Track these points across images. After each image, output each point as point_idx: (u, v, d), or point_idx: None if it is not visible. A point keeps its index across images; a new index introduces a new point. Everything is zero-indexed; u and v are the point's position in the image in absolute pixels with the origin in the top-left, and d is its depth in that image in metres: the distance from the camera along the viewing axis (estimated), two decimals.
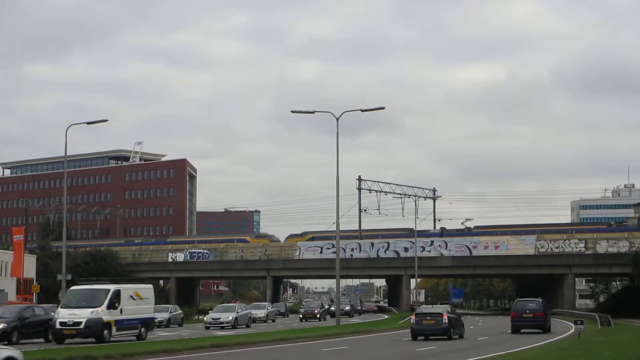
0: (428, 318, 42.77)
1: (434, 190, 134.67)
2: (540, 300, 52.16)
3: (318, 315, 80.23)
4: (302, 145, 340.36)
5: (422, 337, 43.04)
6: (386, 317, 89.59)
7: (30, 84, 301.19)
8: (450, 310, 44.76)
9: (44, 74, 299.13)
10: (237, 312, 65.66)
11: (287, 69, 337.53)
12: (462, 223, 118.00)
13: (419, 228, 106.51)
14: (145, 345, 35.71)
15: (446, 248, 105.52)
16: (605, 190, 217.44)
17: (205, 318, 68.57)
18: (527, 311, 50.76)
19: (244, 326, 64.30)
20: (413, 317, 44.01)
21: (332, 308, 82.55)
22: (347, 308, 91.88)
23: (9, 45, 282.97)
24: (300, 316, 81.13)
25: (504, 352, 32.17)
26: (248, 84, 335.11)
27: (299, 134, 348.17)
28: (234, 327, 62.31)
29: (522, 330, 49.94)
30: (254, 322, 70.32)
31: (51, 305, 54.49)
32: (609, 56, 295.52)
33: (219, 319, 64.11)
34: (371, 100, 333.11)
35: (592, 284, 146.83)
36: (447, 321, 42.71)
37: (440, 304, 67.04)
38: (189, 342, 37.59)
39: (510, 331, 50.18)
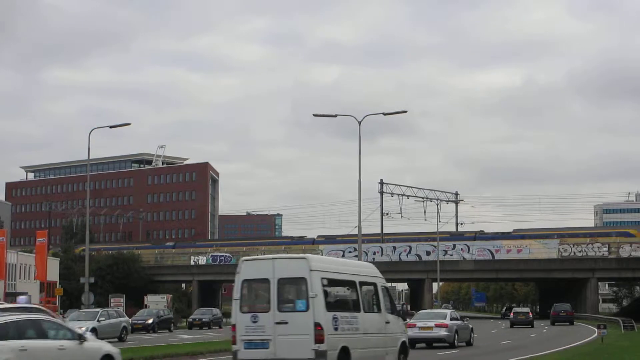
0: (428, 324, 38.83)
1: (456, 194, 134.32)
2: (569, 304, 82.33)
3: None
4: (322, 149, 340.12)
5: (423, 345, 40.13)
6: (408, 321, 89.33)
7: (51, 89, 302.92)
8: (453, 315, 41.40)
9: (65, 79, 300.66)
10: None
11: (307, 73, 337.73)
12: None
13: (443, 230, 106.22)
14: None
15: (468, 252, 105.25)
16: (629, 194, 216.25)
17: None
18: (562, 311, 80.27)
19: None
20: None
21: None
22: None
23: (29, 51, 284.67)
24: None
25: (527, 357, 32.07)
26: (268, 88, 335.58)
27: (318, 137, 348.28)
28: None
29: (556, 323, 77.48)
30: None
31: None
32: (627, 60, 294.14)
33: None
34: (389, 105, 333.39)
35: (615, 288, 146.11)
36: (448, 327, 39.29)
37: (444, 307, 67.21)
38: None
39: (550, 323, 77.41)
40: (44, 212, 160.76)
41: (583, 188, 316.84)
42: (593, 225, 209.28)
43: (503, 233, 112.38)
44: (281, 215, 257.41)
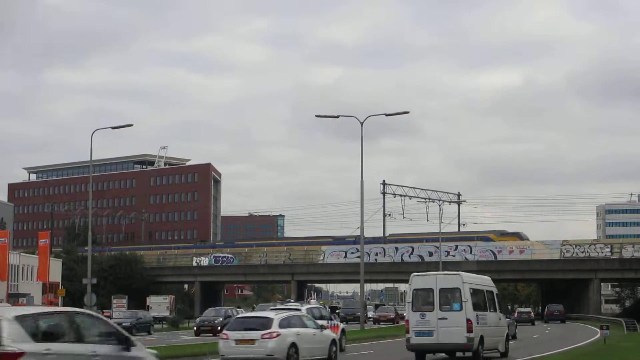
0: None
1: (459, 195, 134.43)
2: (562, 305, 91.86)
3: None
4: (323, 150, 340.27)
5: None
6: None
7: (52, 90, 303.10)
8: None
9: (66, 80, 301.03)
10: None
11: (307, 73, 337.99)
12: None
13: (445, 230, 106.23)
14: None
15: (471, 252, 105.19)
16: (632, 194, 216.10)
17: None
18: (556, 311, 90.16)
19: None
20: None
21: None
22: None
23: (29, 52, 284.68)
24: None
25: (530, 357, 32.06)
26: (268, 89, 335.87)
27: (319, 138, 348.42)
28: None
29: (550, 321, 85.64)
30: None
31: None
32: (627, 61, 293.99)
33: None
34: (389, 105, 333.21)
35: (617, 289, 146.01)
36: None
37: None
38: None
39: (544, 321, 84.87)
40: (47, 213, 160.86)
41: (584, 189, 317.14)
42: (595, 227, 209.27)
43: (376, 237, 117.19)
44: (283, 216, 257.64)
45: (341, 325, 39.56)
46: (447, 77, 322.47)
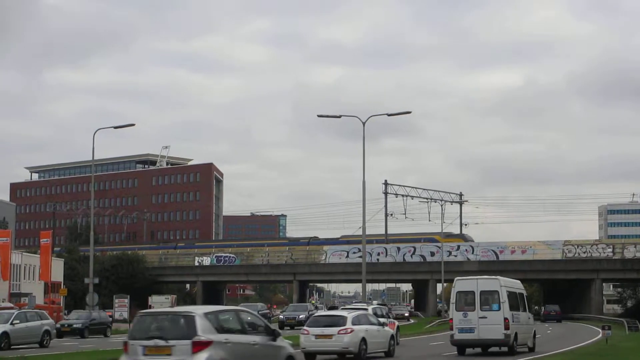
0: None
1: (461, 195, 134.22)
2: (558, 305, 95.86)
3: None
4: (324, 150, 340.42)
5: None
6: (412, 321, 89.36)
7: (53, 90, 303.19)
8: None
9: (67, 80, 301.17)
10: None
11: (308, 74, 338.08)
12: None
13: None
14: None
15: (473, 252, 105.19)
16: (634, 195, 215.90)
17: None
18: (552, 311, 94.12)
19: None
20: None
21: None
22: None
23: (31, 52, 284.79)
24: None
25: (531, 357, 32.05)
26: (269, 89, 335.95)
27: (320, 138, 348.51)
28: None
29: (547, 321, 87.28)
30: None
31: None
32: (627, 61, 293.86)
33: None
34: (390, 105, 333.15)
35: (619, 289, 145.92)
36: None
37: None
38: None
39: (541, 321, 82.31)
40: (49, 212, 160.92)
41: (585, 189, 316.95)
42: (597, 229, 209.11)
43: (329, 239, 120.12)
44: (285, 216, 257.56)
45: (396, 323, 44.00)
46: (448, 77, 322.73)
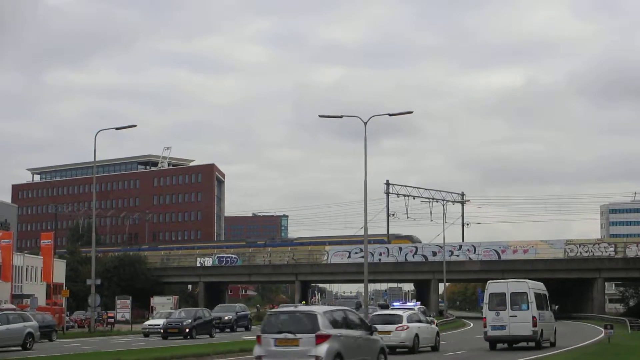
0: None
1: (462, 195, 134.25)
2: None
3: None
4: (325, 150, 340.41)
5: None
6: None
7: (54, 91, 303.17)
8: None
9: (68, 81, 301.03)
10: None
11: (309, 74, 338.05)
12: None
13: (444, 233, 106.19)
14: None
15: (475, 252, 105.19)
16: (635, 194, 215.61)
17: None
18: None
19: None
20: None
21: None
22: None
23: (32, 53, 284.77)
24: None
25: (534, 357, 32.04)
26: (270, 89, 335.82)
27: (321, 138, 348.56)
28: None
29: None
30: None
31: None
32: (628, 60, 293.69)
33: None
34: (391, 106, 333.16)
35: (622, 288, 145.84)
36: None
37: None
38: None
39: None
40: (50, 214, 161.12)
41: (586, 188, 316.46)
42: (599, 227, 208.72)
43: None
44: (287, 216, 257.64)
45: (436, 321, 50.53)
46: (448, 77, 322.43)
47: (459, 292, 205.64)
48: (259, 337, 22.90)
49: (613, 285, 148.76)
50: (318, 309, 23.21)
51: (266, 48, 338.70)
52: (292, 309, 25.99)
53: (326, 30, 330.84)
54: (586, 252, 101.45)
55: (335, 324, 22.66)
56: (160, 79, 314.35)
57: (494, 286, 38.21)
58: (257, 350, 22.75)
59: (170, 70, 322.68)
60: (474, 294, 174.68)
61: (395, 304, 74.06)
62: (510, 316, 36.94)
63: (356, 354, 23.25)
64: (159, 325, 58.59)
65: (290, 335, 22.26)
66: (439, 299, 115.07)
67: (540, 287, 39.59)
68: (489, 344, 37.99)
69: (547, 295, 40.17)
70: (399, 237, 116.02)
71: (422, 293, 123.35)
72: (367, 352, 24.14)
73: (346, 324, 23.40)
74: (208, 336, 55.14)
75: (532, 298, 36.97)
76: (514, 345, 38.61)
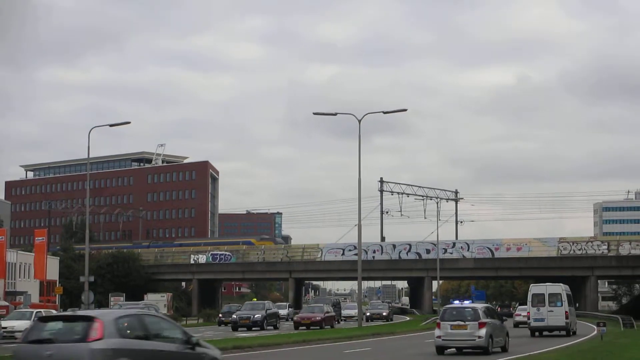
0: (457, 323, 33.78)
1: (456, 192, 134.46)
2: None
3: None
4: (318, 148, 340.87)
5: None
6: (408, 318, 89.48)
7: (48, 88, 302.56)
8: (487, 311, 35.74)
9: (62, 79, 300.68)
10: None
11: (303, 72, 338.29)
12: None
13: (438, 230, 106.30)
14: None
15: (468, 250, 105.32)
16: (629, 192, 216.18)
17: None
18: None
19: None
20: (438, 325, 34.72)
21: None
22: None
23: (24, 50, 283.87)
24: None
25: (525, 354, 32.14)
26: (264, 87, 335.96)
27: (314, 136, 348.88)
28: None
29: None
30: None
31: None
32: (620, 58, 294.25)
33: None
34: (384, 104, 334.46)
35: (614, 286, 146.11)
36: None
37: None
38: None
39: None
40: (44, 210, 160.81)
41: (579, 186, 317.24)
42: (593, 225, 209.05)
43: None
44: (281, 213, 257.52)
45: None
46: (442, 76, 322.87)
47: (452, 289, 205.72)
48: (438, 323, 33.85)
49: (606, 283, 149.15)
50: (479, 304, 36.70)
51: (260, 46, 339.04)
52: (461, 305, 38.53)
53: (320, 28, 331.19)
54: (579, 250, 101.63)
55: (489, 314, 34.35)
56: (154, 77, 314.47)
57: (535, 288, 49.86)
58: (438, 332, 33.54)
59: (164, 68, 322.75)
60: (467, 292, 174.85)
61: (455, 302, 71.00)
62: (548, 311, 47.60)
63: (498, 335, 34.27)
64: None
65: (461, 322, 33.26)
66: (433, 297, 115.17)
67: (568, 289, 50.04)
68: (530, 332, 48.56)
69: (571, 295, 50.39)
70: (263, 239, 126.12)
71: (416, 291, 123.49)
72: (500, 333, 34.71)
73: (491, 315, 34.68)
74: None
75: (564, 297, 47.93)
76: (544, 334, 47.90)
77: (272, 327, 63.77)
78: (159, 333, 17.59)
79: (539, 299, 48.06)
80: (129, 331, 16.74)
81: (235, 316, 65.18)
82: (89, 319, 16.59)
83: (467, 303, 57.77)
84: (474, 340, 32.96)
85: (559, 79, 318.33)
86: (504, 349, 34.91)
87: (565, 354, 32.37)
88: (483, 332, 32.73)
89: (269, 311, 65.25)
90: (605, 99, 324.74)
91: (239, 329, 62.33)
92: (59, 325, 17.17)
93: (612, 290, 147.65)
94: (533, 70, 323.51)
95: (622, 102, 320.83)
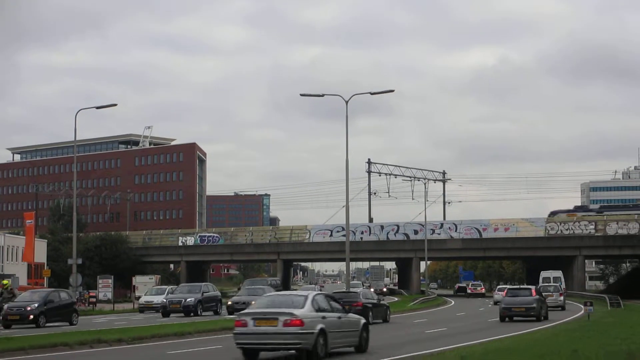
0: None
1: (444, 173, 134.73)
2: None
3: None
4: (304, 130, 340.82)
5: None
6: (396, 299, 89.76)
7: (33, 72, 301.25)
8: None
9: (48, 62, 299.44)
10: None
11: (287, 54, 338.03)
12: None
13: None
14: None
15: (456, 230, 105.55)
16: (615, 172, 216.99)
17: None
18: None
19: None
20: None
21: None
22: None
23: (8, 34, 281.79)
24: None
25: (515, 334, 32.30)
26: (248, 69, 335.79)
27: (299, 118, 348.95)
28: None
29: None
30: None
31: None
32: (598, 39, 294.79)
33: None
34: (368, 85, 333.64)
35: (602, 266, 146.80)
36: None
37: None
38: None
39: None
40: (31, 193, 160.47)
41: (563, 167, 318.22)
42: (580, 204, 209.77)
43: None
44: (269, 195, 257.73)
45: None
46: (425, 57, 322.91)
47: (440, 270, 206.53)
48: (502, 309, 43.50)
49: (593, 262, 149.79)
50: (532, 287, 47.89)
51: (244, 28, 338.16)
52: (517, 287, 52.10)
53: (303, 10, 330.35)
54: (567, 230, 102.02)
55: (539, 292, 47.68)
56: (139, 59, 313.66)
57: (545, 273, 75.99)
58: None
59: (149, 51, 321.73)
60: (455, 272, 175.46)
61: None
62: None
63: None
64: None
65: (519, 300, 43.86)
66: (421, 277, 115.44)
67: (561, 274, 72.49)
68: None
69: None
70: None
71: (404, 271, 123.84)
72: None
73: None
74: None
75: (562, 280, 67.79)
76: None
77: (212, 313, 55.46)
78: None
79: (546, 281, 62.98)
80: None
81: (164, 300, 56.22)
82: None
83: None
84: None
85: (537, 59, 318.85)
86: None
87: (553, 333, 32.54)
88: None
89: (206, 294, 55.95)
90: (585, 79, 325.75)
91: (170, 315, 53.33)
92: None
93: (599, 270, 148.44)
94: (513, 51, 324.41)
95: (601, 82, 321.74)
